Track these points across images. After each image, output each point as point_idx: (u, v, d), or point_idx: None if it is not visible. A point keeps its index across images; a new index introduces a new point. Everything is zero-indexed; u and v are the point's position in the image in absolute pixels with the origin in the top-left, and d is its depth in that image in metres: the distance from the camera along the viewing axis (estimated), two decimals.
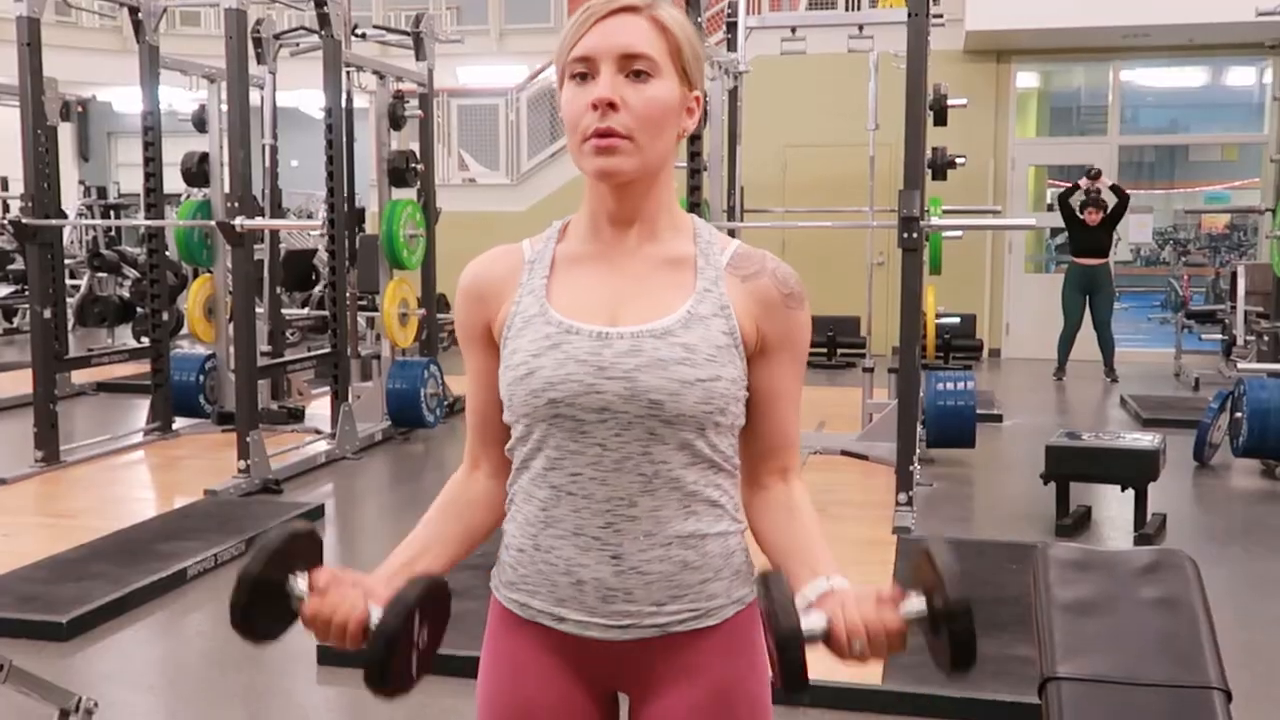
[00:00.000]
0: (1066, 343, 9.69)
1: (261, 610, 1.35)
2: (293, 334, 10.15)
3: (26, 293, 8.12)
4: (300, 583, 1.35)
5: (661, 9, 1.36)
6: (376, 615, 1.31)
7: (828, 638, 1.25)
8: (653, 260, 1.39)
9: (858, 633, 1.23)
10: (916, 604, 1.25)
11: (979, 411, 6.50)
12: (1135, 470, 5.13)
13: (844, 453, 6.55)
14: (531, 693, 1.42)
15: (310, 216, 12.22)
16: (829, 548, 1.40)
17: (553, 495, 1.38)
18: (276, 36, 7.84)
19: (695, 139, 6.41)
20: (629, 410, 1.33)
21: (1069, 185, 9.66)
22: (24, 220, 6.44)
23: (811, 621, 1.24)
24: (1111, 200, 9.42)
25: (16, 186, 10.01)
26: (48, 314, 6.48)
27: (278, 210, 8.13)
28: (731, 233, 5.82)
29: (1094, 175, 9.47)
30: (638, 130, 1.33)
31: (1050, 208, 11.78)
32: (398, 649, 1.28)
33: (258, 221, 6.25)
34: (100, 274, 10.87)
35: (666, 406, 1.32)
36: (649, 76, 1.33)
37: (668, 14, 1.36)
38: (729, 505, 1.41)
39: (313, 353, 7.67)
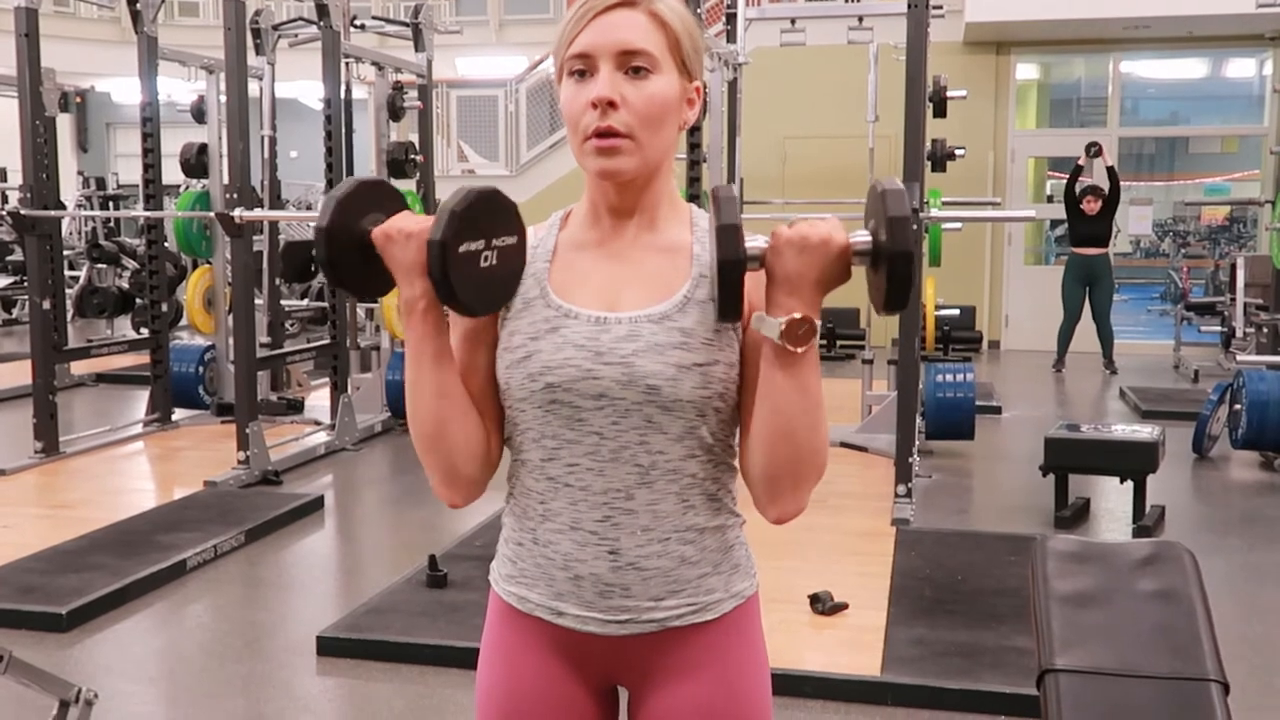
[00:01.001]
0: (1066, 335, 9.69)
1: (348, 259, 1.34)
2: (292, 325, 10.13)
3: (25, 284, 8.11)
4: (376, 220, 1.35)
5: (659, 2, 1.35)
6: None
7: (764, 255, 1.25)
8: (651, 248, 1.40)
9: (797, 227, 1.23)
10: (862, 235, 1.26)
11: (978, 403, 6.50)
12: (1134, 462, 5.14)
13: (843, 444, 6.55)
14: (530, 686, 1.42)
15: (309, 208, 12.21)
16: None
17: (550, 487, 1.37)
18: (275, 27, 7.82)
19: (695, 130, 6.40)
20: (626, 396, 1.33)
21: (1072, 170, 9.61)
22: (23, 211, 6.43)
23: (755, 241, 1.25)
24: (1107, 184, 9.41)
25: (15, 177, 10.02)
26: (47, 305, 6.47)
27: (277, 201, 8.11)
28: None
29: (1094, 154, 9.44)
30: (638, 128, 1.33)
31: (1050, 199, 11.78)
32: (459, 236, 1.27)
33: (257, 213, 6.24)
34: (99, 265, 10.85)
35: (664, 391, 1.32)
36: (648, 73, 1.33)
37: (666, 6, 1.35)
38: (727, 499, 1.41)
39: (312, 344, 7.66)
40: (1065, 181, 9.80)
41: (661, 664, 1.40)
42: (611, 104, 1.31)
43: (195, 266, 8.39)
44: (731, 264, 1.22)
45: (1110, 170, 9.50)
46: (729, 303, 1.24)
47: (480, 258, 1.31)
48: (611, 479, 1.35)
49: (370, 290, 1.40)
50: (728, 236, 1.21)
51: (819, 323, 1.25)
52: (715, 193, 1.24)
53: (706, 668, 1.39)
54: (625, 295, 1.37)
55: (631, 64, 1.32)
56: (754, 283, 1.33)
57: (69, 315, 9.32)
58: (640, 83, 1.33)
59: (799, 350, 1.25)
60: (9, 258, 12.36)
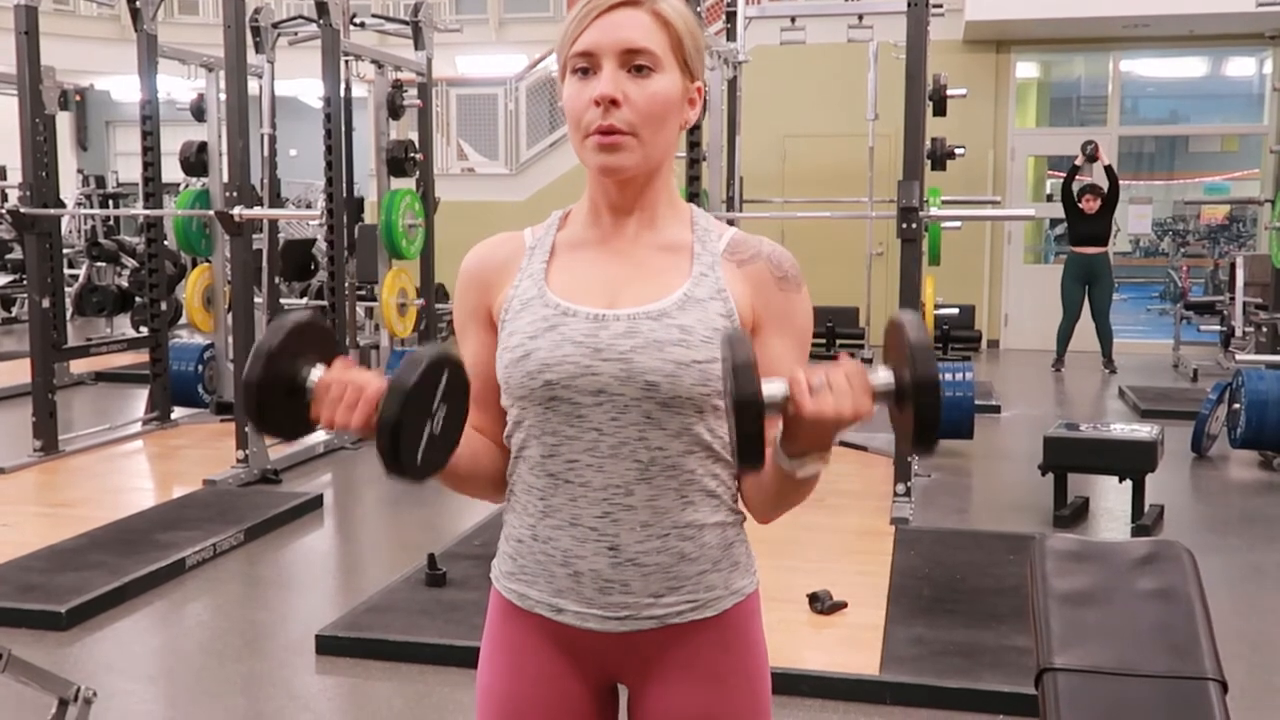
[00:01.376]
0: (1065, 334, 9.69)
1: (277, 406, 1.28)
2: None
3: (25, 282, 8.11)
4: (314, 372, 1.28)
5: (662, 2, 1.36)
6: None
7: (787, 401, 1.19)
8: (651, 246, 1.40)
9: (820, 384, 1.19)
10: (884, 376, 1.21)
11: (977, 402, 6.50)
12: (1133, 461, 5.14)
13: (842, 443, 6.55)
14: (531, 683, 1.42)
15: (309, 206, 12.20)
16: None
17: (550, 484, 1.38)
18: (275, 25, 7.82)
19: (695, 129, 6.40)
20: (625, 392, 1.33)
21: (1069, 170, 9.62)
22: (22, 209, 6.43)
23: (772, 387, 1.19)
24: (1105, 183, 9.41)
25: (15, 176, 10.01)
26: (46, 303, 6.47)
27: (276, 200, 8.11)
28: (731, 223, 5.81)
29: (1091, 155, 9.44)
30: (640, 126, 1.33)
31: (1050, 198, 11.77)
32: (411, 416, 1.21)
33: (256, 211, 6.24)
34: (99, 263, 10.86)
35: (662, 388, 1.32)
36: (650, 71, 1.34)
37: (668, 6, 1.36)
38: (726, 495, 1.41)
39: None
40: (1062, 180, 9.80)
41: (661, 661, 1.40)
42: (614, 102, 1.32)
43: (195, 265, 8.39)
44: (750, 412, 1.15)
45: (1108, 169, 9.50)
46: (748, 451, 1.18)
47: (433, 427, 1.25)
48: (611, 475, 1.35)
49: (304, 434, 1.34)
50: (747, 407, 1.15)
51: (830, 458, 1.27)
52: (726, 338, 1.21)
53: (706, 665, 1.39)
54: (625, 293, 1.37)
55: (634, 62, 1.33)
56: (755, 292, 1.37)
57: (68, 314, 9.32)
58: (643, 81, 1.34)
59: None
60: (8, 256, 12.35)
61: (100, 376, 9.16)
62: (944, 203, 7.13)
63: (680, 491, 1.37)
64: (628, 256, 1.40)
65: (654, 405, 1.33)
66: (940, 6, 6.42)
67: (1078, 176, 9.51)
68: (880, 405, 1.22)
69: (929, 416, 1.16)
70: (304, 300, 10.51)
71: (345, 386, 1.25)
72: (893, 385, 1.20)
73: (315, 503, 5.46)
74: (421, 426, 1.23)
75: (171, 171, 7.95)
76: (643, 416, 1.34)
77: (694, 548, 1.38)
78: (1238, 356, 7.64)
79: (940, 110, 7.18)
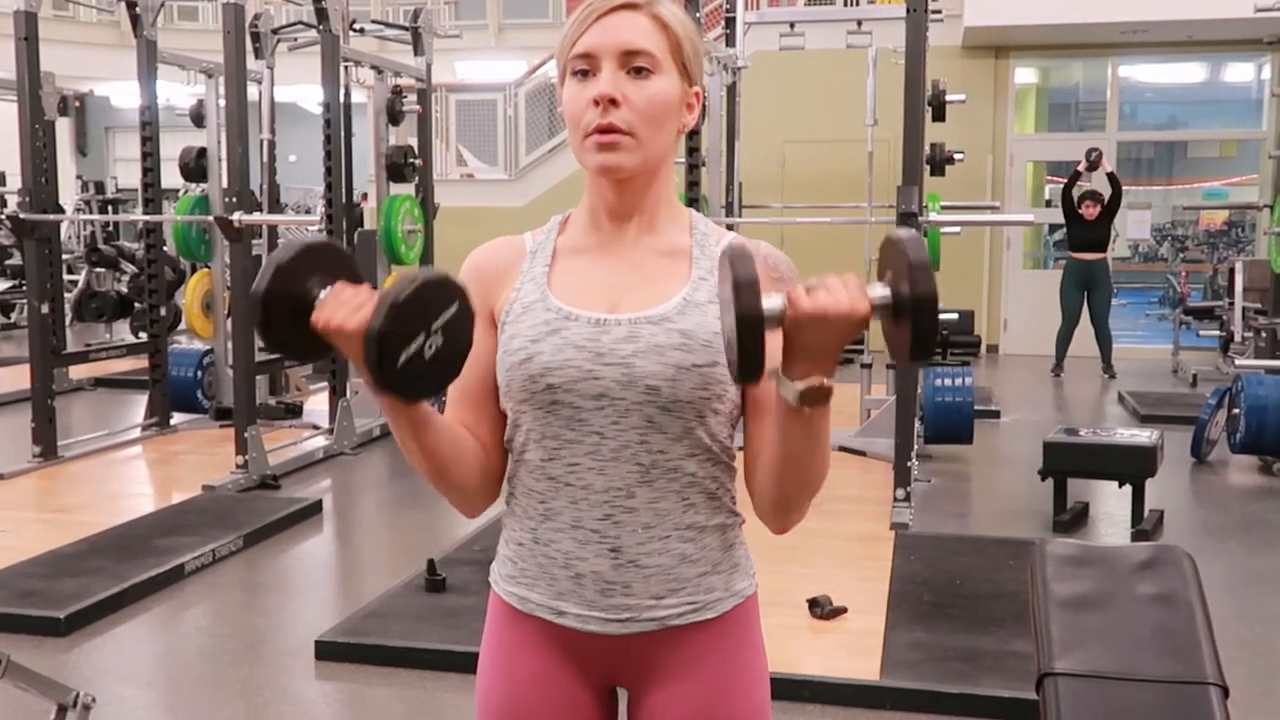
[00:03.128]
0: (1065, 339, 9.70)
1: (286, 324, 1.28)
2: None
3: (24, 288, 8.11)
4: (324, 291, 1.27)
5: (662, 6, 1.37)
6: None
7: (785, 311, 1.18)
8: (651, 250, 1.41)
9: (816, 285, 1.17)
10: (880, 289, 1.19)
11: (977, 408, 6.50)
12: (1133, 466, 5.14)
13: (842, 448, 6.55)
14: (531, 687, 1.43)
15: (309, 212, 12.20)
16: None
17: (551, 487, 1.38)
18: (274, 31, 7.82)
19: (694, 134, 6.41)
20: (626, 396, 1.34)
21: (1070, 175, 9.64)
22: (22, 215, 6.43)
23: (771, 300, 1.17)
24: (1107, 190, 9.42)
25: (14, 181, 10.00)
26: (45, 309, 6.47)
27: (276, 205, 8.11)
28: (730, 228, 5.81)
29: (1094, 162, 9.45)
30: (639, 126, 1.34)
31: (1049, 203, 11.78)
32: (408, 317, 1.20)
33: (256, 217, 6.24)
34: (98, 269, 10.84)
35: (663, 392, 1.33)
36: (650, 73, 1.35)
37: (668, 10, 1.37)
38: (727, 498, 1.42)
39: None
40: (1062, 186, 9.81)
41: (661, 663, 1.40)
42: (613, 101, 1.33)
43: (194, 270, 8.39)
44: (750, 325, 1.15)
45: (1111, 176, 9.51)
46: (748, 366, 1.17)
47: (424, 349, 1.24)
48: (612, 478, 1.36)
49: (311, 354, 1.34)
50: (745, 301, 1.15)
51: (833, 384, 1.22)
52: (729, 255, 1.19)
53: (706, 667, 1.39)
54: (625, 297, 1.38)
55: (633, 64, 1.34)
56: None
57: (67, 319, 9.31)
58: (642, 82, 1.35)
59: (816, 409, 1.24)
60: (8, 262, 12.34)
61: (99, 382, 9.15)
62: (943, 208, 7.13)
63: (681, 494, 1.37)
64: (628, 261, 1.40)
65: (655, 409, 1.34)
66: (939, 12, 6.43)
67: (1079, 182, 9.52)
68: (877, 316, 1.20)
69: (926, 327, 1.15)
70: None
71: (355, 293, 1.25)
72: (889, 299, 1.19)
73: (314, 508, 5.45)
74: (414, 334, 1.22)
75: (171, 177, 7.95)
76: (644, 420, 1.34)
77: (695, 549, 1.38)
78: (1237, 361, 7.63)
79: (939, 116, 7.19)
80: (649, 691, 1.42)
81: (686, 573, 1.38)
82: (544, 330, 1.36)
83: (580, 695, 1.43)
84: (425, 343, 1.23)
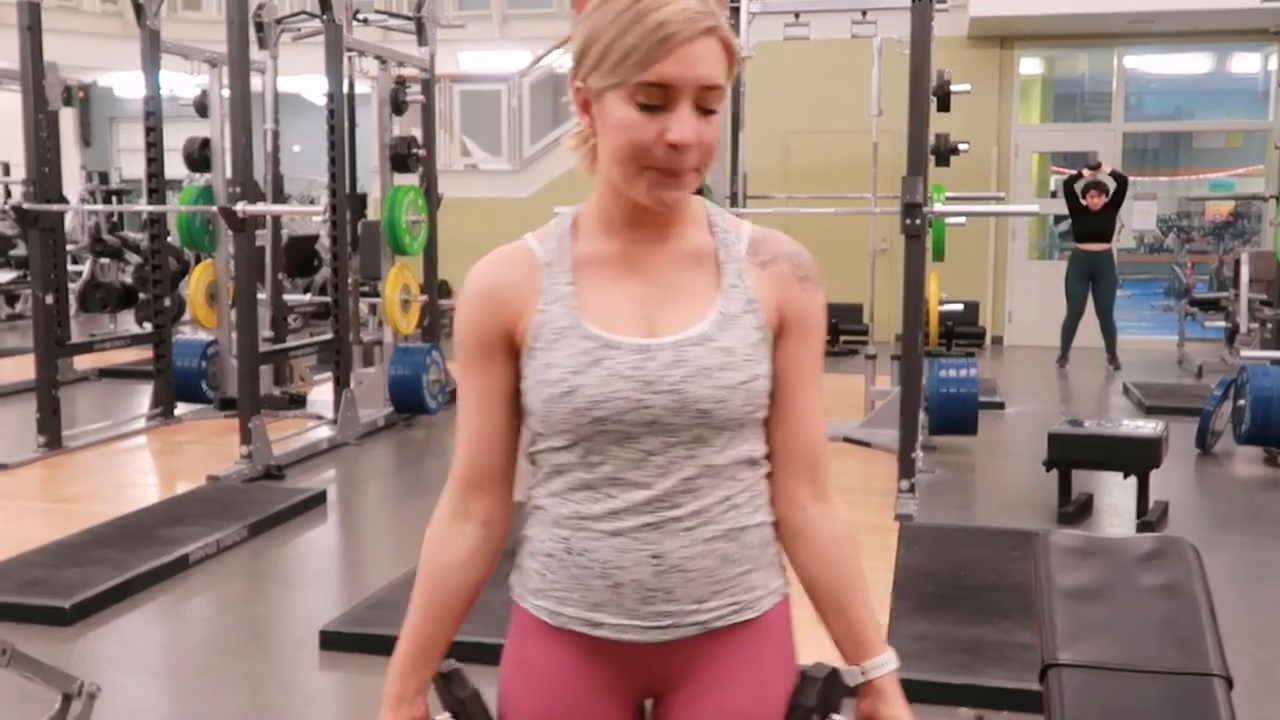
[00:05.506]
0: (1069, 330, 9.69)
1: None
2: (295, 320, 10.14)
3: (29, 278, 8.12)
4: None
5: (724, 24, 1.29)
6: None
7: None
8: (675, 257, 1.36)
9: None
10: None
11: (981, 399, 6.50)
12: (1137, 457, 5.13)
13: (847, 439, 6.55)
14: (564, 701, 1.37)
15: (312, 202, 12.19)
16: (869, 598, 1.43)
17: (589, 497, 1.33)
18: (278, 21, 7.82)
19: None
20: (678, 421, 1.30)
21: (1074, 172, 9.64)
22: (26, 206, 6.44)
23: None
24: (1113, 185, 9.41)
25: (18, 172, 10.01)
26: (50, 300, 6.48)
27: (280, 196, 8.12)
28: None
29: (1095, 166, 9.45)
30: (702, 163, 1.29)
31: (1054, 194, 11.76)
32: None
33: (260, 207, 6.24)
34: (102, 259, 10.87)
35: (715, 414, 1.30)
36: (715, 107, 1.28)
37: (728, 28, 1.29)
38: (763, 497, 1.39)
39: (315, 339, 7.66)
40: (1066, 179, 9.80)
41: (701, 667, 1.36)
42: (690, 146, 1.27)
43: (198, 261, 8.39)
44: None
45: (1114, 174, 9.51)
46: None
47: None
48: (657, 489, 1.32)
49: None
50: None
51: None
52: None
53: (747, 667, 1.37)
54: (663, 317, 1.33)
55: (707, 103, 1.26)
56: (779, 294, 1.35)
57: (72, 310, 9.32)
58: (711, 118, 1.28)
59: None
60: (12, 252, 12.35)
61: (104, 373, 9.17)
62: (948, 199, 7.11)
63: (725, 497, 1.34)
64: (656, 273, 1.35)
65: (705, 429, 1.31)
66: (944, 2, 6.39)
67: (1083, 172, 9.50)
68: None
69: None
70: (307, 296, 10.53)
71: None
72: None
73: (319, 498, 5.46)
74: None
75: (175, 167, 7.95)
76: (693, 439, 1.31)
77: (737, 549, 1.35)
78: (1242, 353, 7.63)
79: (944, 106, 7.15)
80: (685, 696, 1.37)
81: (728, 573, 1.35)
82: (585, 361, 1.30)
83: (615, 708, 1.38)
84: None
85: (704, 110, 1.26)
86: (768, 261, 1.37)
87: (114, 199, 12.70)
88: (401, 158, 7.67)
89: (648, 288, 1.34)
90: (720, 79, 1.26)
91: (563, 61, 1.39)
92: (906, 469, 5.25)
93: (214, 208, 6.98)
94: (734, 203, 7.48)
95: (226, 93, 6.65)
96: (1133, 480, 5.20)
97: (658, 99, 1.24)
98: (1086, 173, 9.46)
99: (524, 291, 1.34)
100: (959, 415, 6.29)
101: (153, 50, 6.87)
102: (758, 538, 1.38)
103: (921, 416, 5.97)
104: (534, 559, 1.38)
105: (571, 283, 1.33)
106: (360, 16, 8.13)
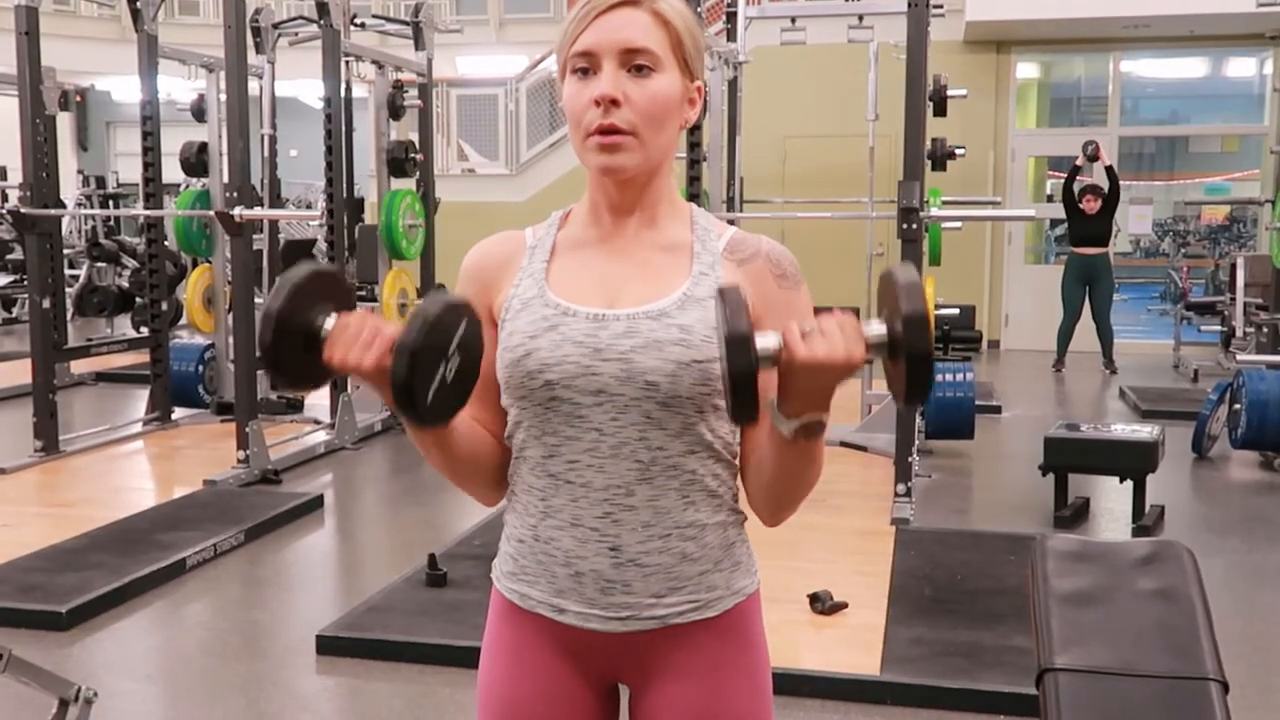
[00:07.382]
0: (1066, 334, 9.70)
1: (290, 348, 1.28)
2: None
3: (25, 282, 8.11)
4: (329, 320, 1.27)
5: (662, 1, 1.36)
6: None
7: (780, 351, 1.18)
8: (652, 245, 1.40)
9: (812, 330, 1.18)
10: (877, 327, 1.20)
11: (978, 403, 6.50)
12: (1134, 462, 5.14)
13: (843, 444, 6.55)
14: (531, 684, 1.42)
15: (309, 206, 12.21)
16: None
17: (551, 484, 1.38)
18: (275, 26, 7.82)
19: (695, 129, 6.40)
20: (625, 392, 1.33)
21: (1070, 170, 9.63)
22: (23, 210, 6.43)
23: (766, 339, 1.18)
24: (1106, 183, 9.42)
25: (15, 176, 10.00)
26: (47, 304, 6.47)
27: (276, 200, 8.11)
28: (731, 223, 5.81)
29: (1092, 155, 9.44)
30: (641, 125, 1.34)
31: (1050, 198, 11.77)
32: (429, 352, 1.21)
33: (256, 211, 6.24)
34: (99, 264, 10.86)
35: (662, 388, 1.32)
36: (651, 71, 1.34)
37: (668, 6, 1.36)
38: (727, 495, 1.41)
39: None
40: (1063, 181, 9.81)
41: (662, 661, 1.40)
42: (614, 101, 1.32)
43: (195, 265, 8.39)
44: (745, 377, 1.16)
45: (1109, 170, 9.50)
46: (743, 412, 1.19)
47: (445, 375, 1.25)
48: (612, 475, 1.35)
49: (306, 381, 1.35)
50: (738, 350, 1.15)
51: (828, 417, 1.24)
52: (723, 294, 1.20)
53: (707, 666, 1.39)
54: (625, 292, 1.37)
55: (634, 62, 1.33)
56: (755, 290, 1.35)
57: (69, 314, 9.33)
58: (643, 81, 1.34)
59: (811, 440, 1.26)
60: (9, 256, 12.34)
61: (101, 377, 9.16)
62: (944, 203, 7.12)
63: (682, 491, 1.37)
64: (628, 256, 1.40)
65: (654, 405, 1.33)
66: (940, 7, 6.41)
67: (1079, 177, 9.51)
68: (873, 356, 1.21)
69: (919, 377, 1.16)
70: None
71: (364, 326, 1.25)
72: (885, 337, 1.20)
73: (316, 503, 5.46)
74: (436, 367, 1.23)
75: (172, 172, 7.95)
76: (643, 416, 1.34)
77: (696, 548, 1.38)
78: (1238, 357, 7.64)
79: (940, 111, 7.17)
80: (649, 690, 1.42)
81: (687, 571, 1.37)
82: (542, 326, 1.36)
83: (581, 692, 1.43)
84: (445, 369, 1.25)
85: (634, 71, 1.33)
86: (744, 259, 1.40)
87: (111, 203, 12.70)
88: (399, 162, 7.67)
89: (618, 267, 1.39)
90: (643, 41, 1.33)
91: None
92: (903, 473, 5.25)
93: (211, 212, 6.97)
94: (730, 207, 7.49)
95: (224, 97, 6.65)
96: (1129, 484, 5.21)
97: (584, 64, 1.34)
98: (1080, 161, 9.46)
99: (508, 270, 1.43)
100: (956, 419, 6.30)
101: (150, 54, 6.86)
102: (719, 538, 1.40)
103: (918, 421, 5.97)
104: (509, 543, 1.45)
105: (546, 261, 1.41)
106: (357, 21, 8.13)
